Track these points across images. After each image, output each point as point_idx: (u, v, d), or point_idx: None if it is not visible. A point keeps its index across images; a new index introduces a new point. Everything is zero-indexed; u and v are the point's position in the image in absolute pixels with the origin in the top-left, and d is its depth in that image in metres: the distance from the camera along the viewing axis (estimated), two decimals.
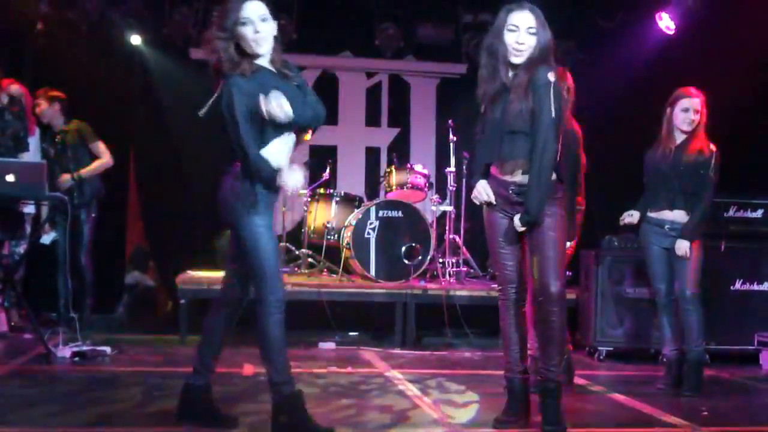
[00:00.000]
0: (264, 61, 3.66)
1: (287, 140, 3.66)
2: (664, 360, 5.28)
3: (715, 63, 7.02)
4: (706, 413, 4.54)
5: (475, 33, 8.76)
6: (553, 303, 3.83)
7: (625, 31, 8.08)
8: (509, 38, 3.86)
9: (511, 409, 4.06)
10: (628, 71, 7.62)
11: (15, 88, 6.50)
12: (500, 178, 3.96)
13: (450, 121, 7.69)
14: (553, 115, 3.77)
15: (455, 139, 7.60)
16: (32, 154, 6.37)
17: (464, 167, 7.71)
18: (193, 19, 8.26)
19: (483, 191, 4.00)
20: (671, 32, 7.82)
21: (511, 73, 3.92)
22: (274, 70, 3.67)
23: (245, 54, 3.61)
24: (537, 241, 3.87)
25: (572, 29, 8.11)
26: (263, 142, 3.59)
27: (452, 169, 7.59)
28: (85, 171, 6.59)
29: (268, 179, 3.57)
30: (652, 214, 5.17)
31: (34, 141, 6.60)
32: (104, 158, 6.72)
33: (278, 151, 3.62)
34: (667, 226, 5.10)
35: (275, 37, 3.63)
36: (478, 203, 4.08)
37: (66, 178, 6.47)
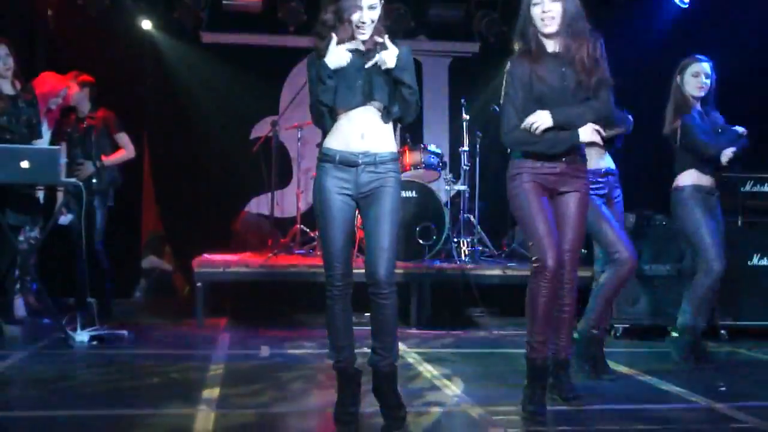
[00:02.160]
0: (357, 43, 3.64)
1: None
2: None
3: (730, 35, 6.95)
4: (723, 388, 4.53)
5: (487, 11, 8.72)
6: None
7: (639, 5, 8.01)
8: (536, 11, 3.90)
9: (537, 395, 3.91)
10: (642, 45, 7.55)
11: (65, 90, 6.54)
12: None
13: (463, 100, 7.66)
14: (611, 81, 3.93)
15: (468, 118, 7.57)
16: (46, 144, 6.37)
17: (477, 146, 7.68)
18: (204, 2, 8.25)
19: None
20: (685, 5, 7.75)
21: (553, 44, 3.95)
22: (363, 48, 3.64)
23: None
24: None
25: (585, 3, 8.03)
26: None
27: (466, 148, 7.56)
28: (107, 159, 6.57)
29: None
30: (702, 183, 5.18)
31: (49, 134, 6.62)
32: (127, 150, 6.70)
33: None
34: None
35: (379, 18, 3.62)
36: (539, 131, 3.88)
37: (88, 164, 6.46)
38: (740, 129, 5.09)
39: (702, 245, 5.10)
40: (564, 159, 3.94)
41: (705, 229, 5.09)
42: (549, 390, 4.02)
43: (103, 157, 6.54)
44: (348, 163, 3.64)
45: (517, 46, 4.05)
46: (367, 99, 3.63)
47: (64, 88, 6.57)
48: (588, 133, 3.91)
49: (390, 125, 3.71)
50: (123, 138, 6.68)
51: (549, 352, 3.99)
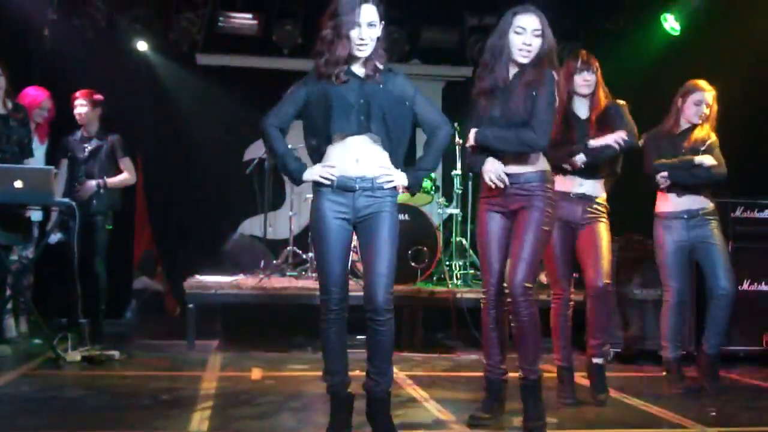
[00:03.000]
0: (356, 66, 3.67)
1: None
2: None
3: (721, 64, 7.01)
4: (714, 413, 4.54)
5: (481, 36, 8.76)
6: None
7: (630, 33, 8.09)
8: (516, 40, 3.96)
9: (487, 407, 4.18)
10: (633, 72, 7.62)
11: (48, 101, 6.54)
12: None
13: (456, 124, 7.69)
14: (549, 107, 3.94)
15: (461, 141, 7.60)
16: (38, 161, 6.36)
17: (464, 164, 7.70)
18: (199, 24, 8.30)
19: (499, 168, 3.97)
20: (676, 33, 7.83)
21: (513, 71, 4.03)
22: (362, 74, 3.66)
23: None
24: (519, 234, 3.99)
25: (578, 31, 8.12)
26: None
27: (458, 171, 7.59)
28: (111, 181, 6.54)
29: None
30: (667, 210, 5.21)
31: (43, 149, 6.61)
32: (130, 175, 6.69)
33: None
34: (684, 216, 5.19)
35: (379, 39, 3.64)
36: (494, 185, 3.98)
37: (91, 184, 6.45)
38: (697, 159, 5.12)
39: (660, 269, 5.24)
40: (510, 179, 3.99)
41: (661, 252, 5.20)
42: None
43: (109, 180, 6.53)
44: (345, 187, 3.64)
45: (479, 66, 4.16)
46: (362, 129, 3.64)
47: (45, 99, 6.54)
48: (488, 166, 3.97)
49: (385, 152, 3.71)
50: (127, 162, 6.67)
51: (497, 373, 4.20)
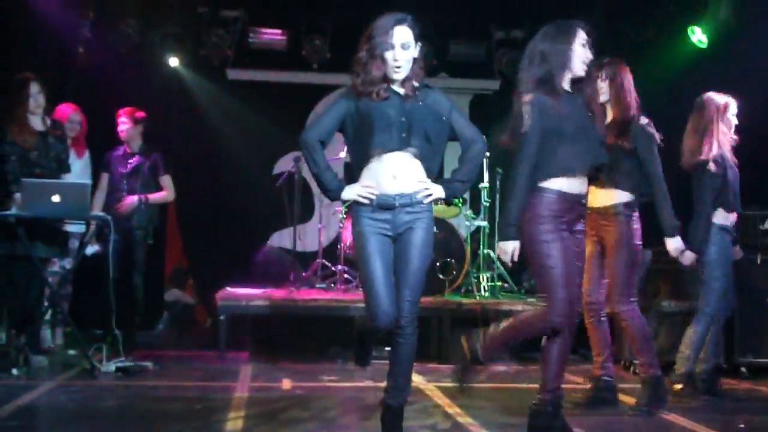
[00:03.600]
0: (395, 84, 3.73)
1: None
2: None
3: (748, 77, 7.00)
4: (743, 426, 4.54)
5: (507, 50, 8.83)
6: None
7: (657, 45, 8.10)
8: (582, 53, 3.98)
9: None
10: (660, 85, 7.62)
11: (76, 115, 6.69)
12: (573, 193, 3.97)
13: (484, 137, 7.73)
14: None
15: (488, 154, 7.65)
16: (78, 175, 6.50)
17: (497, 183, 7.74)
18: (230, 40, 8.43)
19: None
20: (704, 46, 7.83)
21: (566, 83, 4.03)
22: (402, 92, 3.72)
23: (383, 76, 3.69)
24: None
25: (604, 42, 8.13)
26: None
27: (486, 184, 7.63)
28: (153, 197, 6.68)
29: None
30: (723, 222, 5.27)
31: (81, 163, 6.74)
32: (169, 192, 6.83)
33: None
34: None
35: (415, 59, 3.71)
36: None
37: (133, 199, 6.57)
38: None
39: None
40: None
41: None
42: None
43: (150, 196, 6.66)
44: (386, 206, 3.69)
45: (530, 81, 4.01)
46: (403, 145, 3.69)
47: (72, 112, 6.67)
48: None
49: (421, 168, 3.76)
50: (167, 180, 6.81)
51: None
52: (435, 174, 3.82)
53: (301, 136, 3.80)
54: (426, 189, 3.74)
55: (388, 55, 3.64)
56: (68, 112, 6.66)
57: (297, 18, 8.54)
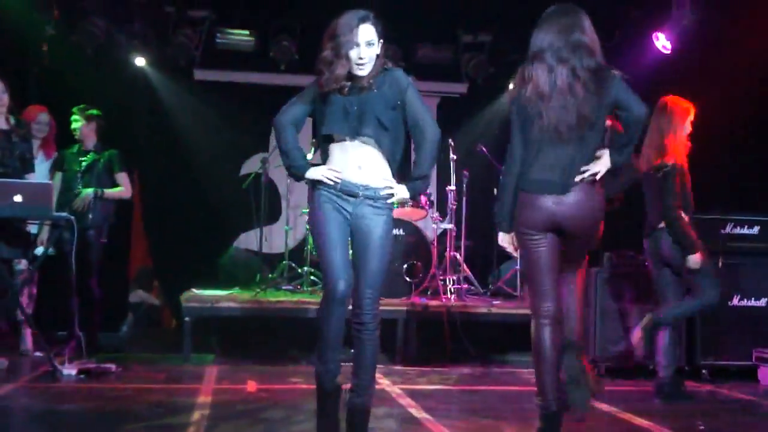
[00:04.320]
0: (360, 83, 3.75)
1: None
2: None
3: (712, 82, 7.11)
4: (702, 428, 4.60)
5: (475, 53, 8.89)
6: None
7: (622, 50, 8.18)
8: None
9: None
10: None
11: (44, 116, 6.61)
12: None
13: (450, 141, 7.78)
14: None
15: (455, 157, 7.68)
16: (46, 176, 6.42)
17: (464, 185, 7.77)
18: (197, 40, 8.39)
19: None
20: (668, 52, 7.93)
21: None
22: (365, 84, 3.73)
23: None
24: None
25: None
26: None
27: (453, 187, 7.67)
28: (108, 192, 6.60)
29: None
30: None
31: (45, 165, 6.65)
32: (126, 189, 6.75)
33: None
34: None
35: (378, 56, 3.73)
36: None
37: (88, 193, 6.48)
38: None
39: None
40: None
41: None
42: None
43: (106, 191, 6.58)
44: (349, 193, 3.72)
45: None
46: (354, 133, 3.71)
47: (40, 113, 6.59)
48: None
49: (384, 159, 3.78)
50: (123, 178, 6.73)
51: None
52: (398, 161, 3.83)
53: (274, 118, 3.84)
54: (390, 188, 3.75)
55: (353, 53, 3.66)
56: (36, 113, 6.59)
57: (265, 19, 8.53)
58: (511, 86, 3.95)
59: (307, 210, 7.26)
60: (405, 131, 3.84)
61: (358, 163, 3.73)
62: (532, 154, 3.79)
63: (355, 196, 3.72)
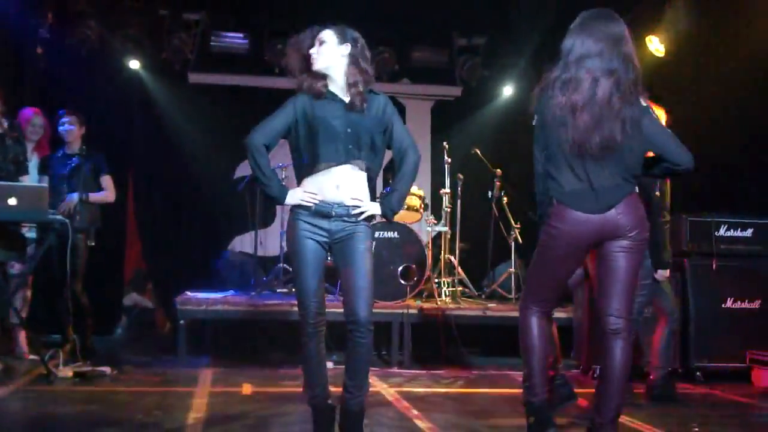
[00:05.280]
0: (336, 89, 3.84)
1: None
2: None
3: (705, 86, 7.13)
4: (697, 429, 4.62)
5: (469, 56, 8.92)
6: None
7: None
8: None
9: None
10: None
11: (38, 119, 6.61)
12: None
13: (445, 144, 7.79)
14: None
15: (450, 160, 7.70)
16: (38, 179, 6.42)
17: (458, 188, 7.79)
18: (191, 44, 8.39)
19: None
20: (661, 55, 7.95)
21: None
22: (347, 100, 3.82)
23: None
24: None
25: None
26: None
27: (447, 190, 7.68)
28: (93, 196, 6.58)
29: None
30: None
31: (34, 165, 6.65)
32: (109, 192, 6.74)
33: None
34: None
35: (364, 70, 3.82)
36: None
37: (73, 197, 6.46)
38: None
39: None
40: None
41: None
42: None
43: (91, 195, 6.57)
44: (322, 213, 3.78)
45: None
46: (350, 157, 3.78)
47: (34, 116, 6.58)
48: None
49: (365, 179, 3.86)
50: (108, 181, 6.71)
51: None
52: (376, 174, 3.91)
53: (246, 139, 3.83)
54: (359, 208, 3.81)
55: (312, 51, 3.83)
56: (30, 115, 6.58)
57: (259, 22, 8.53)
58: (537, 89, 3.84)
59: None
60: (384, 153, 3.94)
61: (337, 183, 3.79)
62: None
63: (328, 216, 3.79)
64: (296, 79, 3.87)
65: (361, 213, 3.82)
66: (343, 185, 3.79)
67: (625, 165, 3.70)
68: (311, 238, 3.80)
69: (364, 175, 3.85)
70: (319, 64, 3.82)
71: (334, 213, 3.78)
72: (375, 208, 3.87)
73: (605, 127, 3.62)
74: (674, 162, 3.72)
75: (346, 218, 3.80)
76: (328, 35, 3.84)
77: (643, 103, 3.75)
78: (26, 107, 6.69)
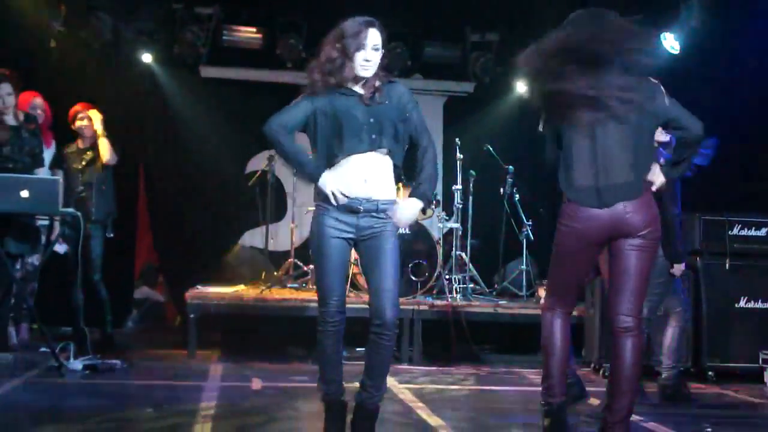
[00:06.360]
0: (352, 83, 3.74)
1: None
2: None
3: (720, 83, 7.09)
4: (710, 430, 4.59)
5: (482, 53, 8.88)
6: None
7: None
8: None
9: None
10: None
11: (39, 101, 6.60)
12: None
13: (457, 140, 7.77)
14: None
15: (462, 157, 7.67)
16: (46, 168, 6.43)
17: (470, 185, 7.76)
18: (204, 38, 8.39)
19: None
20: (676, 52, 7.90)
21: None
22: (361, 92, 3.73)
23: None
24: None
25: None
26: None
27: (459, 186, 7.65)
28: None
29: None
30: None
31: (48, 153, 6.65)
32: (110, 155, 6.66)
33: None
34: None
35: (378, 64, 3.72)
36: None
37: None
38: None
39: None
40: None
41: None
42: None
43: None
44: (350, 209, 3.70)
45: None
46: (375, 146, 3.70)
47: (33, 99, 6.55)
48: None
49: (391, 168, 3.79)
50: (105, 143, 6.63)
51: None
52: (400, 163, 3.83)
53: (264, 126, 3.73)
54: (394, 209, 3.73)
55: (360, 54, 3.66)
56: (30, 98, 6.56)
57: (272, 16, 8.51)
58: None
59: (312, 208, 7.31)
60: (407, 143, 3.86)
61: (365, 176, 3.71)
62: None
63: (356, 212, 3.71)
64: (319, 78, 3.69)
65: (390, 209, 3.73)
66: (370, 179, 3.71)
67: (634, 148, 3.71)
68: (337, 237, 3.72)
69: (390, 163, 3.77)
70: (370, 72, 3.70)
71: (362, 209, 3.71)
72: (415, 205, 3.75)
73: (596, 41, 3.65)
74: (688, 129, 3.79)
75: (374, 214, 3.72)
76: (380, 40, 3.69)
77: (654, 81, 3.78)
78: (25, 91, 6.67)
